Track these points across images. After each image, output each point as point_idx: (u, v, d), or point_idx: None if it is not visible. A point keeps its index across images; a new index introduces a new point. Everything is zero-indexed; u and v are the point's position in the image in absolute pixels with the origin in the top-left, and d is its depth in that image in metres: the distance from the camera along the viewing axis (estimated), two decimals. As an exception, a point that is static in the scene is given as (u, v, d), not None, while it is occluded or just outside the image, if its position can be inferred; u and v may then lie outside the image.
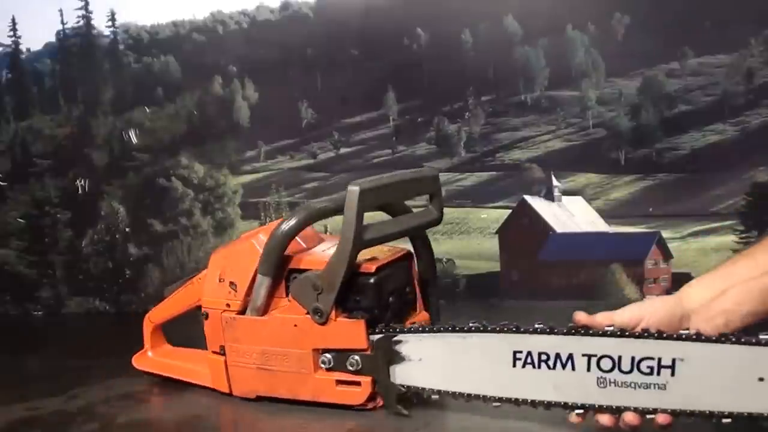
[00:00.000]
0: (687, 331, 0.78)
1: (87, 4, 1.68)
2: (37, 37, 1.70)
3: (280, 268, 0.95)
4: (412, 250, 1.03)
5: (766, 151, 1.51)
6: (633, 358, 0.79)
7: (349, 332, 0.92)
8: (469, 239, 1.65)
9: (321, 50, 1.67)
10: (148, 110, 1.70)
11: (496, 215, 1.67)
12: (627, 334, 0.79)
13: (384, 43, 1.65)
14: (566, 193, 1.64)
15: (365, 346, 0.91)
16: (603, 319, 0.86)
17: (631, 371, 0.79)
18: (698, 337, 0.77)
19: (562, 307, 1.62)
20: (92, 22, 1.69)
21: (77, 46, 1.70)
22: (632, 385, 0.79)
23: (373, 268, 0.93)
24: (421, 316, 1.01)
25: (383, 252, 0.97)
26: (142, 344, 1.23)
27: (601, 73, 1.60)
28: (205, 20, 1.69)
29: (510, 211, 1.66)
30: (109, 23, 1.69)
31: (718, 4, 1.56)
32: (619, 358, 0.79)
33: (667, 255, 1.62)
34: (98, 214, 1.73)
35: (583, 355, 0.80)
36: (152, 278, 1.74)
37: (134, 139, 1.71)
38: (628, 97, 1.60)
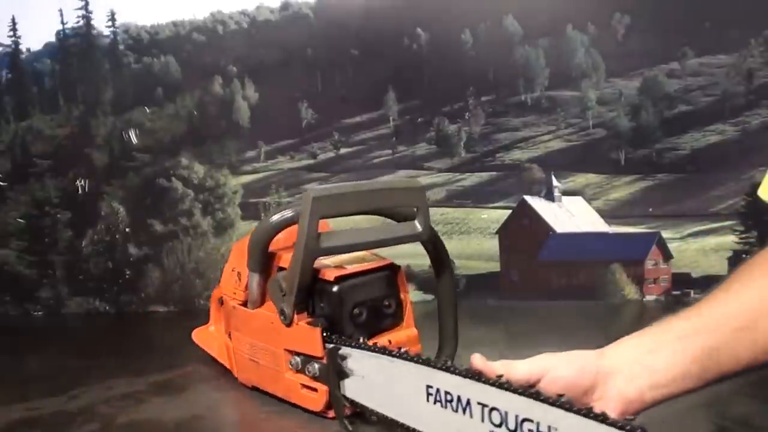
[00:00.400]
0: (563, 398, 0.67)
1: (87, 4, 1.68)
2: (37, 37, 1.70)
3: (266, 264, 0.96)
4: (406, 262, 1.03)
5: (766, 151, 1.51)
6: (517, 417, 0.70)
7: (307, 338, 0.91)
8: (469, 239, 1.65)
9: (321, 50, 1.67)
10: (148, 110, 1.70)
11: (496, 215, 1.67)
12: (513, 389, 0.70)
13: (384, 43, 1.65)
14: (566, 193, 1.64)
15: (320, 354, 0.90)
16: (499, 367, 0.74)
17: (515, 431, 0.70)
18: (569, 407, 0.66)
19: (562, 307, 1.62)
20: (92, 22, 1.69)
21: (77, 46, 1.70)
22: None
23: (332, 276, 0.92)
24: (406, 333, 0.97)
25: (364, 260, 0.95)
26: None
27: (601, 73, 1.61)
28: (205, 20, 1.69)
29: (510, 211, 1.66)
30: (109, 23, 1.69)
31: (718, 4, 1.56)
32: (506, 414, 0.71)
33: (667, 255, 1.62)
34: (98, 214, 1.73)
35: (479, 403, 0.73)
36: (152, 278, 1.74)
37: (134, 139, 1.71)
38: (628, 97, 1.60)
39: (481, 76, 1.63)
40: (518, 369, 0.75)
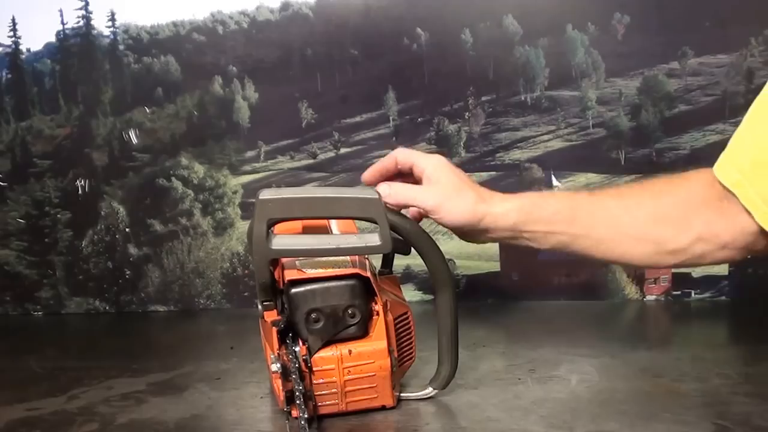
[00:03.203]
0: None
1: (87, 4, 1.68)
2: (37, 37, 1.70)
3: None
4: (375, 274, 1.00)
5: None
6: None
7: (270, 335, 0.93)
8: (469, 239, 1.65)
9: (321, 50, 1.67)
10: (148, 110, 1.70)
11: (496, 215, 1.67)
12: None
13: (384, 43, 1.65)
14: (566, 193, 1.64)
15: (276, 353, 0.91)
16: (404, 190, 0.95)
17: None
18: None
19: (562, 307, 1.63)
20: (92, 22, 1.69)
21: (77, 46, 1.70)
22: None
23: (289, 278, 0.93)
24: (372, 345, 0.96)
25: (336, 266, 0.95)
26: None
27: (601, 73, 1.60)
28: (205, 20, 1.68)
29: (510, 211, 1.66)
30: (109, 23, 1.68)
31: (718, 4, 1.56)
32: None
33: (667, 255, 1.62)
34: (98, 214, 1.73)
35: None
36: (152, 278, 1.74)
37: (134, 139, 1.71)
38: (628, 97, 1.60)
39: (481, 76, 1.63)
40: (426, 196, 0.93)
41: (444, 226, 0.94)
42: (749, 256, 0.87)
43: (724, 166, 0.83)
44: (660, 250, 0.88)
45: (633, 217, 0.88)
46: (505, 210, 0.91)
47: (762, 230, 0.81)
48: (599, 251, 0.91)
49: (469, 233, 0.94)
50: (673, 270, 1.63)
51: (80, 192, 1.73)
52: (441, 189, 0.93)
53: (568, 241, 0.91)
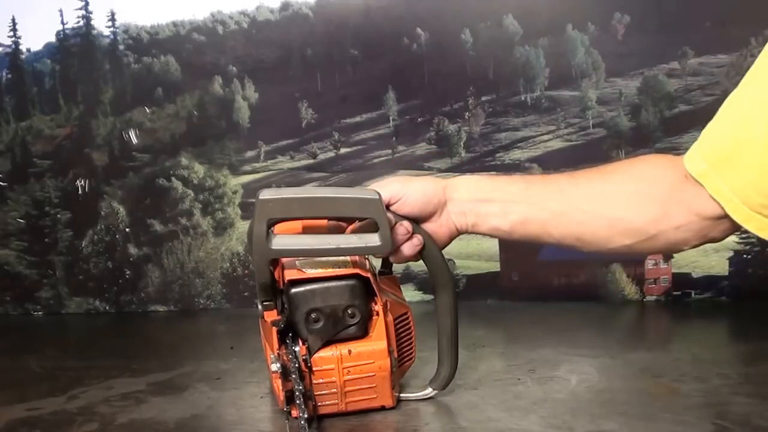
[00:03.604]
0: None
1: (87, 4, 1.68)
2: (37, 37, 1.70)
3: None
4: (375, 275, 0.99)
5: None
6: None
7: (270, 335, 0.93)
8: (469, 239, 1.65)
9: (321, 50, 1.67)
10: (148, 110, 1.70)
11: (496, 215, 1.67)
12: None
13: (384, 43, 1.65)
14: (566, 193, 1.64)
15: (276, 352, 0.91)
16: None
17: None
18: None
19: (562, 307, 1.62)
20: (92, 22, 1.69)
21: (77, 46, 1.70)
22: None
23: (289, 278, 0.93)
24: (372, 345, 0.95)
25: (336, 266, 0.95)
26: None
27: (601, 73, 1.60)
28: (205, 20, 1.69)
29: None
30: (109, 23, 1.69)
31: (718, 4, 1.56)
32: None
33: (667, 255, 1.62)
34: (98, 214, 1.73)
35: None
36: (152, 278, 1.74)
37: (134, 139, 1.71)
38: (628, 97, 1.60)
39: (481, 76, 1.63)
40: (388, 188, 0.93)
41: (406, 209, 0.94)
42: (705, 242, 0.88)
43: (693, 156, 0.84)
44: (613, 228, 0.89)
45: (583, 195, 0.91)
46: (465, 179, 0.97)
47: (718, 218, 0.83)
48: (556, 228, 0.92)
49: (431, 213, 0.95)
50: (673, 270, 1.63)
51: (80, 192, 1.73)
52: (397, 183, 0.96)
53: (525, 212, 0.92)
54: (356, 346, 0.94)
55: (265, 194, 0.89)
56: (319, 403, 0.95)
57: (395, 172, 1.67)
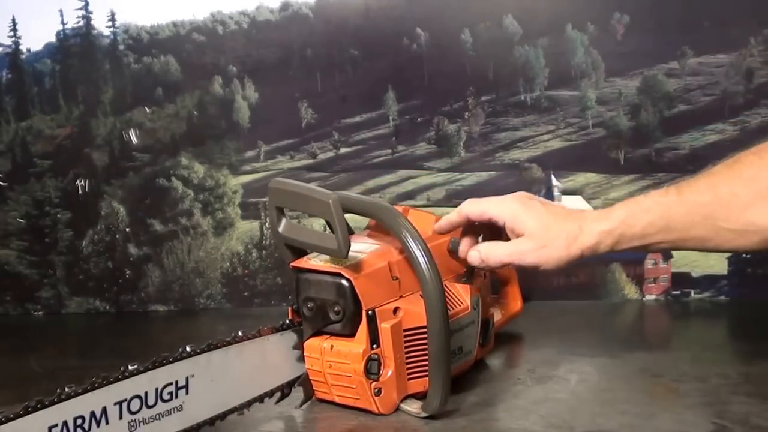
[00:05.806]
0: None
1: (87, 4, 1.68)
2: (37, 37, 1.70)
3: None
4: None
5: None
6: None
7: None
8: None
9: (321, 50, 1.67)
10: (148, 110, 1.70)
11: (496, 215, 1.67)
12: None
13: (384, 43, 1.65)
14: (566, 192, 1.64)
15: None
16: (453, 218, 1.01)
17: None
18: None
19: (562, 306, 1.63)
20: (92, 22, 1.69)
21: (77, 46, 1.70)
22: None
23: (292, 264, 1.02)
24: (350, 346, 0.96)
25: (335, 262, 0.97)
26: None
27: (600, 73, 1.61)
28: (205, 20, 1.69)
29: (510, 210, 1.66)
30: (109, 23, 1.69)
31: (718, 4, 1.56)
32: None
33: (667, 255, 1.62)
34: (98, 214, 1.73)
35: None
36: (152, 278, 1.74)
37: (134, 139, 1.71)
38: (628, 97, 1.60)
39: (480, 76, 1.63)
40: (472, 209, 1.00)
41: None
42: None
43: None
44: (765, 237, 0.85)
45: (729, 211, 0.85)
46: (599, 240, 0.92)
47: None
48: (707, 247, 0.89)
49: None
50: (673, 269, 1.63)
51: (80, 192, 1.73)
52: (531, 242, 0.93)
53: (670, 246, 0.91)
54: (338, 344, 0.97)
55: (273, 183, 1.00)
56: (315, 388, 1.01)
57: (395, 172, 1.68)
